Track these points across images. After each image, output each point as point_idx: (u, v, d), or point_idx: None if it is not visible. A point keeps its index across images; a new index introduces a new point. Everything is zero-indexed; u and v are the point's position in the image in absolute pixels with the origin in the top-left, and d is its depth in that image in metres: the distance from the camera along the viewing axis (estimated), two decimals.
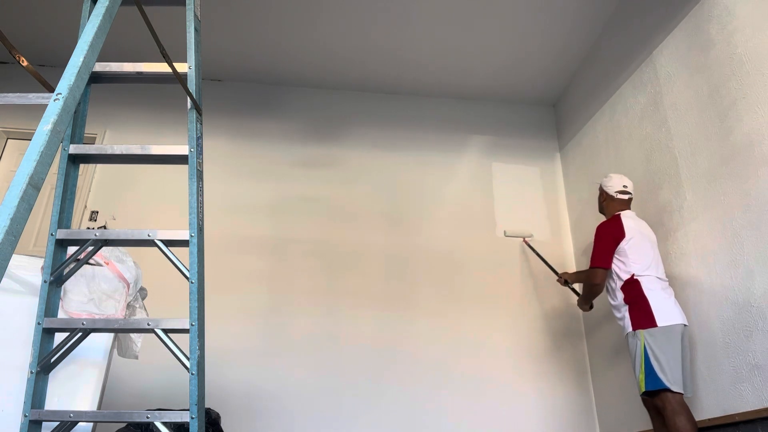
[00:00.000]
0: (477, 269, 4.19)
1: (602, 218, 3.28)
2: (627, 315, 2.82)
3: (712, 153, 2.88)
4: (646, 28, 3.54)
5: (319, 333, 3.87)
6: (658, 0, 3.41)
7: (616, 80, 3.86)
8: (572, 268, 4.33)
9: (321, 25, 4.08)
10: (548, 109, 4.92)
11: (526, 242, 4.14)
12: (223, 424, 2.80)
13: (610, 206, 3.18)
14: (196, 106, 1.85)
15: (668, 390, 2.58)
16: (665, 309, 2.76)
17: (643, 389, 2.65)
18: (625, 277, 2.88)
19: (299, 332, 3.85)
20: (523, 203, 4.51)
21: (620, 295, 2.89)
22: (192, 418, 1.63)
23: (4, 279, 1.61)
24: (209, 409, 2.65)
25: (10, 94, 1.22)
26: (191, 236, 1.74)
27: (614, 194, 3.16)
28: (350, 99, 4.73)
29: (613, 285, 2.96)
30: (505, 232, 4.24)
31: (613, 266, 2.95)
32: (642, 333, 2.72)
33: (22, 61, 1.25)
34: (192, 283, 1.72)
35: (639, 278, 2.85)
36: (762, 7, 2.62)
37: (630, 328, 2.79)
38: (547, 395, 3.86)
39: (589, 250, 4.15)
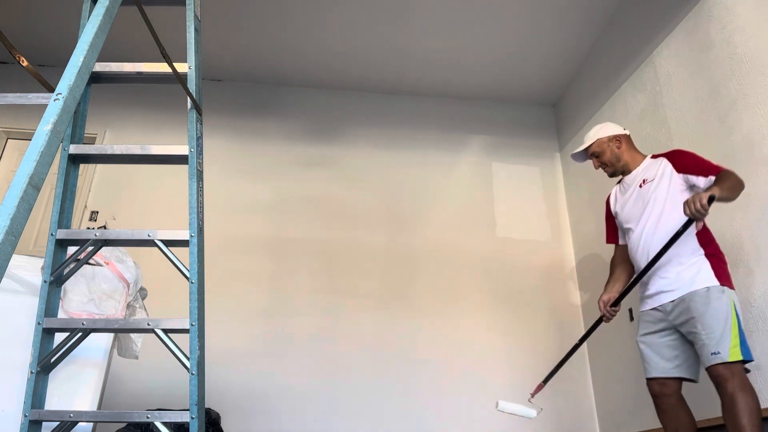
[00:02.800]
0: (477, 269, 4.19)
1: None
2: (707, 266, 2.25)
3: (712, 153, 2.87)
4: (646, 28, 3.54)
5: (319, 333, 3.87)
6: (658, 0, 3.41)
7: (616, 80, 3.86)
8: (573, 268, 4.32)
9: (321, 24, 4.08)
10: (548, 109, 4.92)
11: (537, 392, 2.81)
12: (223, 424, 2.81)
13: (632, 148, 2.62)
14: (196, 106, 1.85)
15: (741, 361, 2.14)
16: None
17: (740, 357, 2.10)
18: (701, 222, 2.33)
19: (299, 332, 3.85)
20: (523, 203, 4.51)
21: (694, 242, 2.31)
22: (192, 418, 1.63)
23: (4, 279, 1.61)
24: (209, 409, 2.65)
25: (10, 94, 1.22)
26: (191, 236, 1.74)
27: (629, 134, 2.66)
28: (350, 99, 4.73)
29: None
30: (497, 405, 2.71)
31: (679, 209, 2.29)
32: (730, 292, 2.22)
33: (22, 61, 1.24)
34: (192, 283, 1.72)
35: (708, 225, 2.37)
36: (762, 7, 2.62)
37: (715, 282, 2.22)
38: (547, 395, 3.84)
39: (589, 251, 4.15)
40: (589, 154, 2.66)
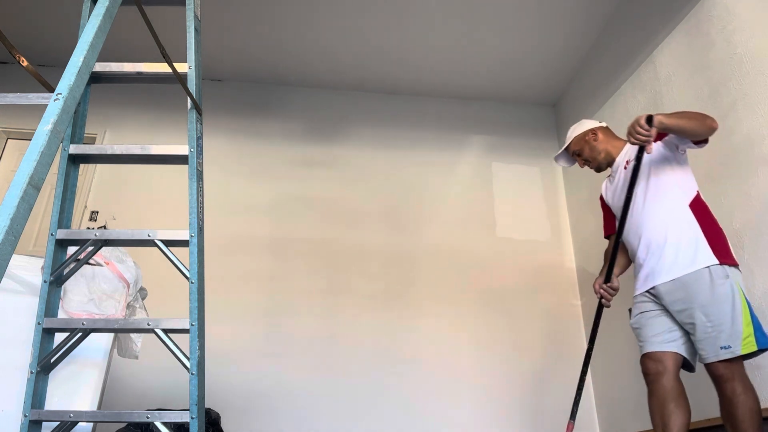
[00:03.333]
0: (477, 269, 4.19)
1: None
2: (704, 243, 2.06)
3: (712, 153, 2.87)
4: (646, 28, 3.54)
5: (319, 333, 3.87)
6: (658, 0, 3.41)
7: (616, 80, 3.86)
8: (572, 268, 4.32)
9: (321, 25, 4.08)
10: (548, 109, 4.92)
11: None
12: (223, 424, 2.80)
13: (611, 137, 2.50)
14: (196, 106, 1.85)
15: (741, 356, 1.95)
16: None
17: (754, 348, 1.93)
18: (693, 192, 2.19)
19: (299, 332, 3.85)
20: (523, 203, 4.51)
21: (688, 215, 2.14)
22: (192, 418, 1.63)
23: (4, 279, 1.61)
24: (209, 409, 2.65)
25: (10, 94, 1.22)
26: (191, 236, 1.74)
27: (606, 125, 2.56)
28: (350, 99, 4.73)
29: (670, 208, 2.17)
30: None
31: (676, 175, 2.20)
32: (735, 273, 2.04)
33: (22, 61, 1.24)
34: (192, 283, 1.72)
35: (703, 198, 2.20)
36: (762, 7, 2.62)
37: (715, 260, 2.02)
38: (547, 395, 3.86)
39: (589, 251, 4.15)
40: (570, 154, 2.60)
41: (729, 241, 2.21)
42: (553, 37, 4.15)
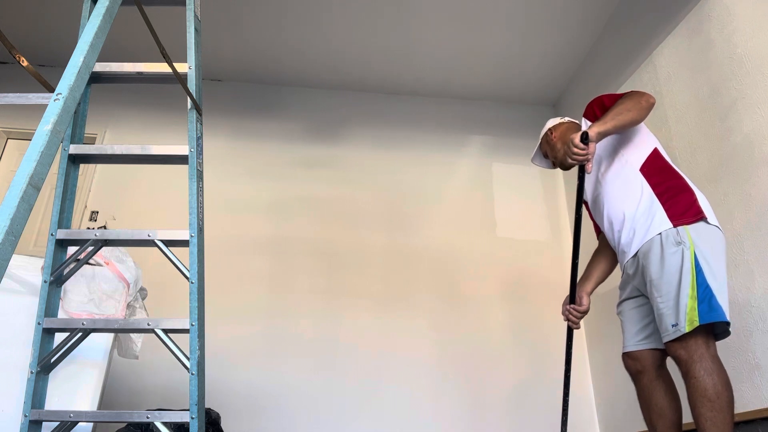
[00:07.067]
0: (477, 269, 4.19)
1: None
2: (658, 207, 1.86)
3: (712, 153, 2.87)
4: (646, 28, 3.54)
5: (319, 333, 3.87)
6: (658, 0, 3.41)
7: (616, 80, 3.86)
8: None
9: (321, 25, 4.08)
10: (548, 109, 4.92)
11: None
12: (223, 424, 2.80)
13: (571, 130, 2.31)
14: (196, 106, 1.85)
15: (710, 330, 1.73)
16: (709, 204, 1.91)
17: (697, 322, 1.68)
18: (645, 154, 2.03)
19: (299, 332, 3.85)
20: (523, 203, 4.51)
21: (640, 182, 1.96)
22: (192, 418, 1.63)
23: (4, 279, 1.61)
24: (209, 409, 2.64)
25: (10, 94, 1.22)
26: (191, 236, 1.74)
27: (566, 120, 2.40)
28: (350, 99, 4.73)
29: (622, 179, 2.02)
30: None
31: (623, 144, 2.05)
32: (689, 231, 1.79)
33: (22, 61, 1.24)
34: (192, 283, 1.72)
35: (664, 155, 2.04)
36: (762, 7, 2.62)
37: (668, 225, 1.81)
38: (547, 395, 3.86)
39: (590, 251, 4.12)
40: (544, 156, 2.48)
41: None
42: (553, 37, 4.15)
